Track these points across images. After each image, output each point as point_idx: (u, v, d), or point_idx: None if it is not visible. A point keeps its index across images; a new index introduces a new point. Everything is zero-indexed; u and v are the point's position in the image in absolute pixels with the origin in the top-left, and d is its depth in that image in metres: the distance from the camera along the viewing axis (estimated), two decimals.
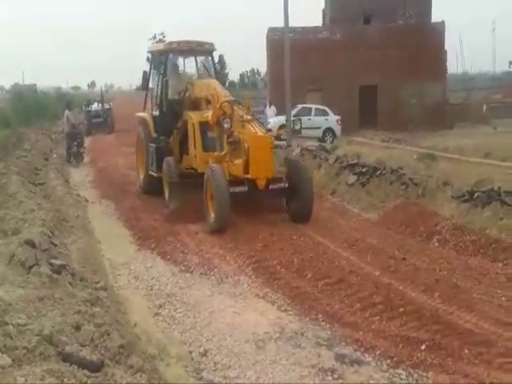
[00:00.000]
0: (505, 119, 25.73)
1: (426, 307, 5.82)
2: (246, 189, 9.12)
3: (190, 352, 5.25)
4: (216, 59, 13.10)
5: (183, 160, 11.51)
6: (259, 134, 9.36)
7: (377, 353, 5.06)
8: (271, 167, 9.26)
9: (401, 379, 4.64)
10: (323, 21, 35.59)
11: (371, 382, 4.62)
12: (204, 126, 10.62)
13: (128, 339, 4.44)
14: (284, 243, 8.26)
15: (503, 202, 8.54)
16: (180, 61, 13.15)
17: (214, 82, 11.19)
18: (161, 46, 13.57)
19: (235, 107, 9.85)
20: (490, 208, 8.50)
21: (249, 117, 9.70)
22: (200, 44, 12.48)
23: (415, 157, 13.01)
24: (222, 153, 9.99)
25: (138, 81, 61.71)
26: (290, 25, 19.93)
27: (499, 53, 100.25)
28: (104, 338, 4.10)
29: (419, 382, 4.56)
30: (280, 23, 20.21)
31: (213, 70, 12.86)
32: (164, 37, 52.52)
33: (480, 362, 4.71)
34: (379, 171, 11.48)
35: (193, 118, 11.06)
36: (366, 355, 5.06)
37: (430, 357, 4.86)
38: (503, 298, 6.09)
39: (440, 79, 30.55)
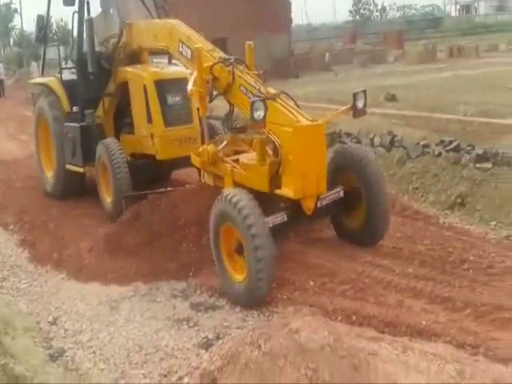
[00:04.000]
0: (345, 65, 27.11)
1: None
2: (286, 218, 5.16)
3: (38, 322, 5.01)
4: None
5: (123, 143, 7.50)
6: (304, 121, 5.06)
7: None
8: (324, 177, 5.19)
9: (253, 317, 4.80)
10: None
11: (225, 323, 4.72)
12: (163, 88, 7.22)
13: None
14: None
15: (342, 143, 9.07)
16: None
17: (175, 22, 6.80)
18: None
19: (239, 71, 5.63)
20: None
21: (270, 90, 5.45)
22: None
23: None
24: (220, 146, 5.99)
25: None
26: None
27: (339, 3, 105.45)
28: None
29: (269, 317, 4.74)
30: None
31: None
32: None
33: (324, 292, 4.99)
34: None
35: (142, 75, 7.32)
36: (221, 300, 5.15)
37: (280, 293, 5.06)
38: None
39: (285, 30, 31.29)
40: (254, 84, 5.45)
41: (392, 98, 13.39)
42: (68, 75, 8.32)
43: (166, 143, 7.13)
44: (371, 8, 62.58)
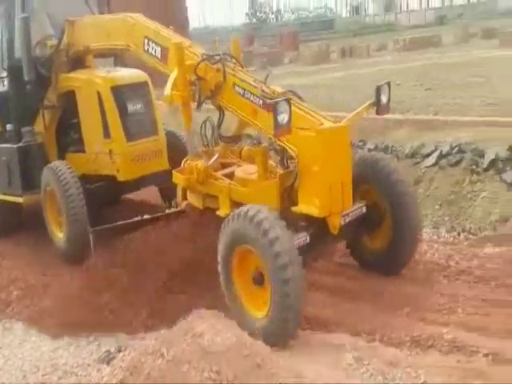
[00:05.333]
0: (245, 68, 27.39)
1: None
2: (308, 239, 4.28)
3: None
4: None
5: (70, 163, 6.23)
6: (326, 124, 4.34)
7: None
8: (350, 189, 4.41)
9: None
10: None
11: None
12: (122, 95, 6.10)
13: None
14: None
15: None
16: None
17: (137, 16, 5.76)
18: None
19: (230, 69, 4.80)
20: None
21: (276, 88, 4.69)
22: None
23: None
24: (211, 160, 5.12)
25: None
26: None
27: (236, 6, 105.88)
28: None
29: None
30: None
31: None
32: None
33: None
34: None
35: (95, 82, 6.20)
36: None
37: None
38: None
39: (182, 32, 31.17)
40: (253, 83, 4.57)
41: None
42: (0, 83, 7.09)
43: (128, 161, 5.99)
44: (267, 11, 63.76)
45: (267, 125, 4.22)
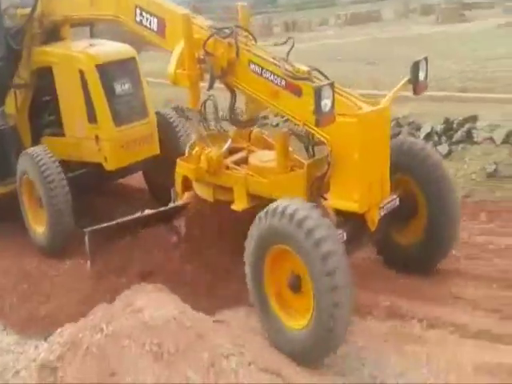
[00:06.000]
0: None
1: None
2: (345, 237, 3.70)
3: None
4: None
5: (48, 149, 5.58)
6: (366, 107, 3.80)
7: None
8: (388, 178, 3.95)
9: None
10: None
11: None
12: (109, 74, 5.41)
13: None
14: None
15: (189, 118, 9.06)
16: None
17: None
18: None
19: (243, 44, 4.14)
20: None
21: (300, 66, 3.88)
22: None
23: None
24: (225, 147, 4.50)
25: None
26: None
27: None
28: None
29: None
30: None
31: None
32: None
33: None
34: None
35: (77, 58, 5.48)
36: None
37: None
38: None
39: None
40: (272, 60, 3.91)
41: None
42: None
43: (117, 148, 5.37)
44: None
45: (291, 108, 3.81)
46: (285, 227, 3.38)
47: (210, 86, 4.13)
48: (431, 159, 4.19)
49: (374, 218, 3.79)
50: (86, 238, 4.47)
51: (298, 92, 3.69)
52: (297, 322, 3.55)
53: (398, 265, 4.43)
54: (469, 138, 6.69)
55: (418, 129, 7.00)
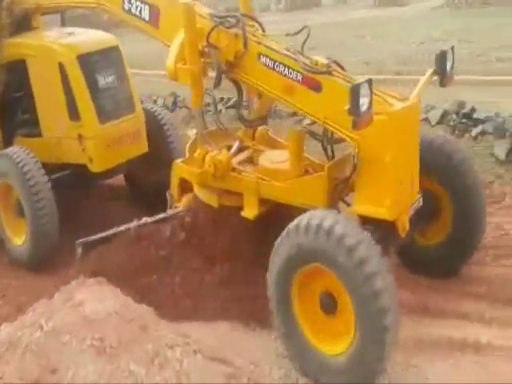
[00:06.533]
0: None
1: None
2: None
3: None
4: None
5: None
6: (396, 103, 3.41)
7: None
8: (418, 179, 3.62)
9: None
10: None
11: None
12: (91, 66, 4.93)
13: None
14: None
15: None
16: None
17: None
18: None
19: (251, 34, 3.72)
20: None
21: (318, 59, 3.53)
22: None
23: None
24: (233, 149, 4.17)
25: None
26: None
27: None
28: None
29: None
30: None
31: None
32: None
33: None
34: None
35: (55, 50, 4.97)
36: None
37: None
38: None
39: None
40: (286, 52, 3.52)
41: None
42: None
43: (103, 147, 4.92)
44: None
45: (308, 104, 3.46)
46: (319, 244, 3.02)
47: (218, 83, 3.73)
48: (457, 155, 3.84)
49: (404, 225, 3.42)
50: (79, 250, 4.18)
51: (317, 87, 3.36)
52: (331, 346, 3.21)
53: (422, 269, 4.07)
54: None
55: None
